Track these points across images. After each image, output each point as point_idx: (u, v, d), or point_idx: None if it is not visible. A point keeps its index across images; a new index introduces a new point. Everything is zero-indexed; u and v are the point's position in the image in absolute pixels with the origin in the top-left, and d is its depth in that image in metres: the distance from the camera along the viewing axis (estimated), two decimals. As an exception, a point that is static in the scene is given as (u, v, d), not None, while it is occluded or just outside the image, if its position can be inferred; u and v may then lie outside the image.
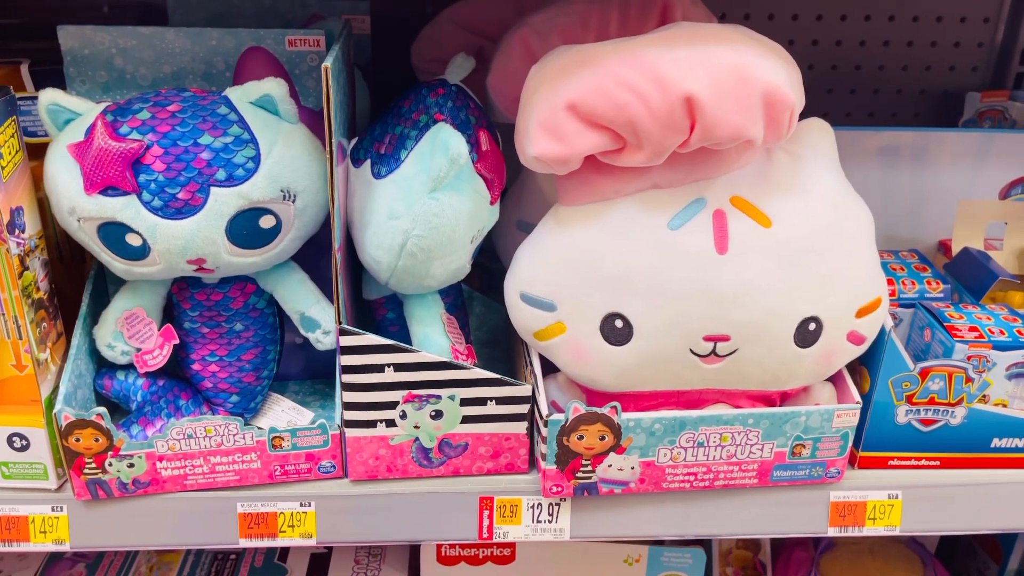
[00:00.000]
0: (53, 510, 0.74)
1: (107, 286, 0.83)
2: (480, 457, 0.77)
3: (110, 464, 0.72)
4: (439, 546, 1.02)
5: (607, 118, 0.63)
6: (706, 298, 0.67)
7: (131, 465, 0.72)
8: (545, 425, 0.72)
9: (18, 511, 0.74)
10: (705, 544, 1.07)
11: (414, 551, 1.08)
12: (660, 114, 0.62)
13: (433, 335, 0.75)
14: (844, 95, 1.22)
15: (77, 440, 0.71)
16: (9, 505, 0.74)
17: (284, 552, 1.09)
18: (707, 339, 0.69)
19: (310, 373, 0.90)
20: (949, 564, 1.21)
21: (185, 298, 0.76)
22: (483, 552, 1.03)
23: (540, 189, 0.83)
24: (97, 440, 0.71)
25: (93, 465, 0.72)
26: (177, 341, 0.76)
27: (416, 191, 0.68)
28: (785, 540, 1.20)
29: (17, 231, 0.68)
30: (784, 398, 0.76)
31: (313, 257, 0.79)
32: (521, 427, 0.76)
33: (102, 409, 0.70)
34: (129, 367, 0.78)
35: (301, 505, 0.75)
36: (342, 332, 0.70)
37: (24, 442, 0.73)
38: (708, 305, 0.67)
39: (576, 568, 1.04)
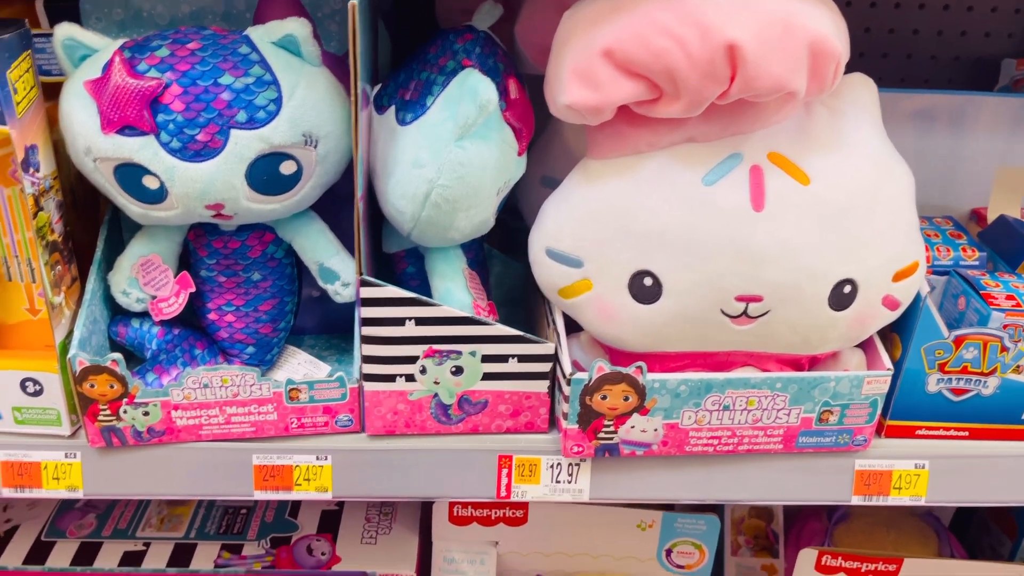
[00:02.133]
0: (66, 457, 0.73)
1: (122, 233, 0.81)
2: (500, 415, 0.76)
3: (124, 411, 0.71)
4: (451, 506, 1.01)
5: (644, 65, 0.61)
6: (740, 256, 0.65)
7: (146, 413, 0.71)
8: (568, 384, 0.70)
9: (31, 457, 0.73)
10: (719, 512, 1.06)
11: (425, 510, 1.07)
12: (700, 62, 0.59)
13: (455, 290, 0.74)
14: (876, 59, 1.18)
15: (92, 386, 0.69)
16: (22, 451, 0.73)
17: (295, 507, 1.08)
18: (739, 299, 0.67)
19: (327, 327, 0.88)
20: (962, 539, 1.20)
21: (202, 245, 0.75)
22: (495, 513, 1.02)
23: (567, 143, 0.81)
24: (112, 387, 0.70)
25: (108, 412, 0.71)
26: (193, 289, 0.75)
27: (442, 139, 0.66)
28: (799, 511, 1.19)
29: (32, 170, 0.66)
30: (813, 363, 0.74)
31: (331, 209, 0.77)
32: (542, 386, 0.74)
33: (117, 355, 0.69)
34: (144, 315, 0.77)
35: (317, 459, 0.74)
36: (363, 283, 0.69)
37: (37, 387, 0.71)
38: (741, 264, 0.65)
39: (589, 532, 1.03)
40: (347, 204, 0.80)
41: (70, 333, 0.72)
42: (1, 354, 0.72)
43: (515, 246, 0.88)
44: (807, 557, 0.98)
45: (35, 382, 0.71)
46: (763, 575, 1.16)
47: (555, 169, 0.81)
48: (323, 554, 1.01)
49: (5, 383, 0.71)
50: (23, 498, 0.73)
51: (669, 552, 1.03)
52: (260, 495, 0.75)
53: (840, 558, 0.98)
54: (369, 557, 1.01)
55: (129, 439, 0.72)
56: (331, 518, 1.07)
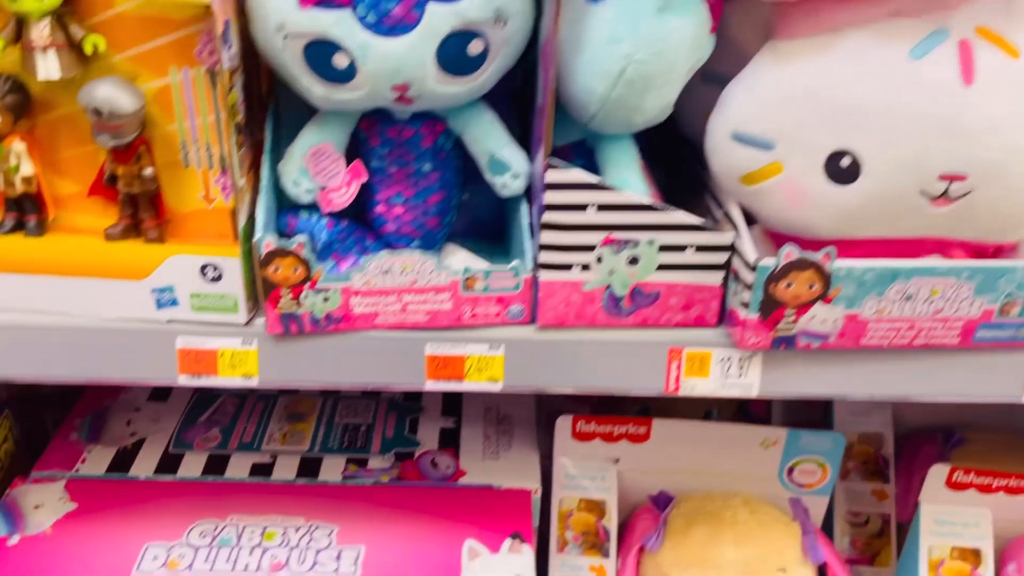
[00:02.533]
0: (243, 344, 0.73)
1: (281, 130, 0.80)
2: (670, 309, 0.75)
3: (306, 297, 0.71)
4: (575, 421, 1.01)
5: (862, -71, 0.59)
6: (947, 133, 0.64)
7: (326, 299, 0.71)
8: (752, 271, 0.69)
9: (207, 344, 0.73)
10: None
11: (541, 428, 1.07)
12: (925, -76, 0.58)
13: (631, 179, 0.73)
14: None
15: (276, 270, 0.69)
16: (199, 338, 0.73)
17: (414, 424, 1.09)
18: (942, 178, 0.65)
19: (473, 232, 0.88)
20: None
21: (375, 134, 0.74)
22: (617, 429, 1.02)
23: (731, 37, 0.79)
24: (296, 270, 0.69)
25: (290, 297, 0.71)
26: (367, 178, 0.74)
27: (642, 12, 0.64)
28: (911, 435, 1.18)
29: (227, 46, 0.66)
30: (996, 255, 0.73)
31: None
32: (717, 278, 0.74)
33: (304, 238, 0.69)
34: (312, 207, 0.76)
35: (490, 347, 0.74)
36: (550, 166, 0.68)
37: (217, 273, 0.71)
38: (948, 140, 0.64)
39: (711, 450, 1.03)
40: (499, 102, 0.79)
41: (249, 219, 0.72)
42: (181, 239, 0.72)
43: (655, 153, 0.87)
44: (938, 473, 0.98)
45: (215, 267, 0.71)
46: (873, 500, 1.16)
47: (719, 64, 0.79)
48: (448, 467, 1.02)
49: (185, 268, 0.71)
50: (199, 385, 0.73)
51: (791, 470, 1.03)
52: (432, 385, 0.75)
53: (972, 474, 0.97)
54: (493, 471, 1.02)
55: (307, 326, 0.72)
56: (450, 435, 1.07)
